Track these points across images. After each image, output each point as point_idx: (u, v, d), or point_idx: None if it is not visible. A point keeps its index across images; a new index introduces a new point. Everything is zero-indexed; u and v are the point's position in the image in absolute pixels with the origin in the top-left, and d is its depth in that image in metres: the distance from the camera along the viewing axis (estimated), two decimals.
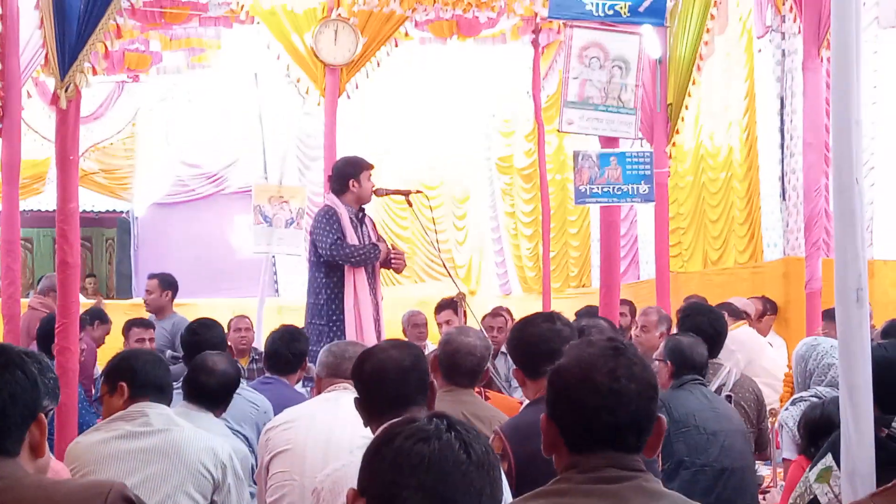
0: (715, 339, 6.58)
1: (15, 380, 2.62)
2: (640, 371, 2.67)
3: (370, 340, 7.71)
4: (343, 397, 4.74)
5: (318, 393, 5.03)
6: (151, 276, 10.31)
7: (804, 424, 4.92)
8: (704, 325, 6.59)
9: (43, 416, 2.69)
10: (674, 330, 7.48)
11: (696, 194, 14.11)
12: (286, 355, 6.78)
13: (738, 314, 8.85)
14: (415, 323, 10.81)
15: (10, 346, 2.73)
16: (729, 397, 6.31)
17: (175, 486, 4.31)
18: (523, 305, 13.56)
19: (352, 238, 8.16)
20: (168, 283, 10.11)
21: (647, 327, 7.99)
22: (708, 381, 6.20)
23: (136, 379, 4.55)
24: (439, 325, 10.23)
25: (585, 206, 13.55)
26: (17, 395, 2.61)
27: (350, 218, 8.22)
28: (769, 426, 6.69)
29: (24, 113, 7.62)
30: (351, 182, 8.28)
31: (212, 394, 5.28)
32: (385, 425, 2.30)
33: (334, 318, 8.14)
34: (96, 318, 9.97)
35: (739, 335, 8.55)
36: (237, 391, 5.86)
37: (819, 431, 4.69)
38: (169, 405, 4.65)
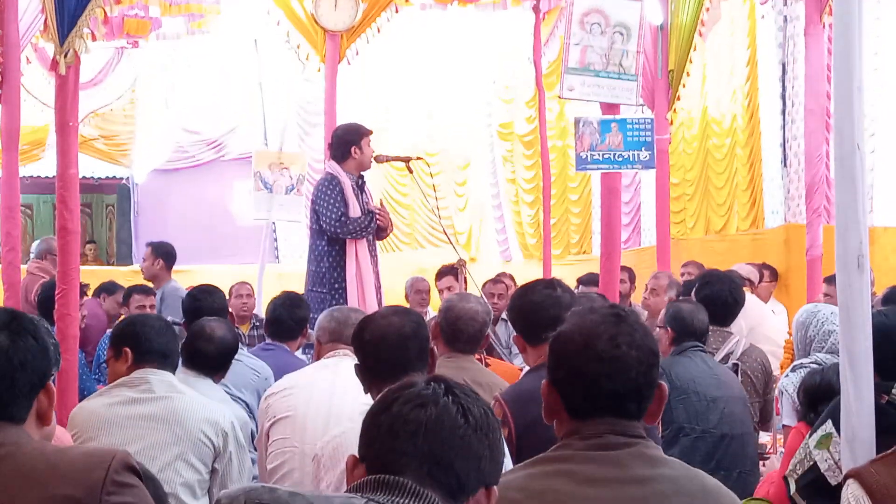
0: (732, 307, 6.56)
1: (27, 347, 2.62)
2: (642, 338, 2.67)
3: (372, 308, 7.71)
4: (342, 363, 4.73)
5: (318, 358, 5.03)
6: (148, 244, 10.32)
7: (804, 391, 4.92)
8: (724, 293, 6.54)
9: (51, 384, 2.69)
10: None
11: (702, 161, 14.10)
12: (288, 322, 6.79)
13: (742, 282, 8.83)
14: (417, 289, 10.82)
15: (22, 313, 2.73)
16: (736, 366, 6.30)
17: (175, 453, 4.32)
18: (524, 272, 13.57)
19: (354, 207, 8.14)
20: (161, 252, 10.10)
21: (657, 290, 8.03)
22: (715, 350, 6.20)
23: (140, 345, 4.55)
24: (441, 291, 10.24)
25: (587, 173, 13.55)
26: (27, 363, 2.61)
27: (352, 186, 8.20)
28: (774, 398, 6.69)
29: (23, 79, 7.61)
30: (353, 149, 8.25)
31: (210, 360, 5.28)
32: (384, 391, 2.30)
33: (336, 285, 8.14)
34: (104, 290, 10.01)
35: (758, 306, 8.54)
36: (238, 357, 5.87)
37: (819, 398, 4.70)
38: (174, 372, 4.65)
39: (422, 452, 2.15)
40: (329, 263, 8.19)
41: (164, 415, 4.36)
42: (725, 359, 6.32)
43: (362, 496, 2.15)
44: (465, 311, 5.08)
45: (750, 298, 8.67)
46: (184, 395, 4.46)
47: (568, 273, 12.01)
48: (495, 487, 2.24)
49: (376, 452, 2.20)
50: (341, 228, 8.08)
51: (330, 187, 8.14)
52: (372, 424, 2.23)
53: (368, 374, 3.80)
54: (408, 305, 9.59)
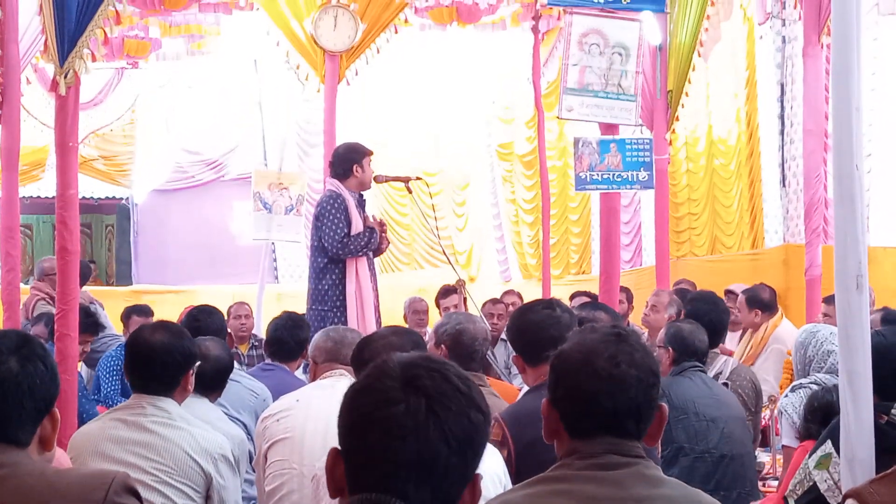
0: (713, 330, 6.57)
1: (36, 372, 2.63)
2: (642, 358, 2.68)
3: (371, 326, 7.71)
4: (339, 384, 4.73)
5: (314, 378, 5.02)
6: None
7: (818, 408, 4.92)
8: (702, 314, 6.57)
9: (56, 411, 2.69)
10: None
11: (709, 180, 14.12)
12: (289, 342, 6.79)
13: (772, 306, 8.56)
14: (415, 309, 10.81)
15: (34, 338, 2.74)
16: (725, 385, 6.30)
17: (167, 481, 4.28)
18: (523, 292, 13.56)
19: (357, 224, 8.09)
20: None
21: (657, 307, 8.01)
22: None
23: (138, 372, 4.51)
24: (446, 309, 10.18)
25: (587, 193, 13.57)
26: (36, 388, 2.62)
27: (355, 203, 8.17)
28: (762, 419, 6.69)
29: (23, 99, 7.60)
30: (354, 167, 8.22)
31: (206, 379, 5.25)
32: (355, 381, 2.27)
33: (337, 303, 8.10)
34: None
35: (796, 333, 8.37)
36: (237, 378, 5.85)
37: (832, 416, 4.71)
38: (179, 396, 4.56)
39: (405, 482, 2.12)
40: (331, 281, 8.15)
41: (157, 443, 4.31)
42: (714, 379, 6.32)
43: None
44: (481, 331, 5.17)
45: (789, 325, 8.52)
46: (177, 422, 4.39)
47: (567, 293, 12.01)
48: (479, 472, 2.20)
49: (353, 452, 2.18)
50: (343, 249, 8.05)
51: (335, 206, 8.09)
52: (356, 442, 2.19)
53: None
54: (406, 325, 9.58)
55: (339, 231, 8.03)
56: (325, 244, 8.08)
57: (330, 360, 4.94)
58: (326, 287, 8.18)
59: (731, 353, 7.40)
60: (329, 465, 2.22)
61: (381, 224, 8.39)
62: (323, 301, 8.15)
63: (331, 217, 8.05)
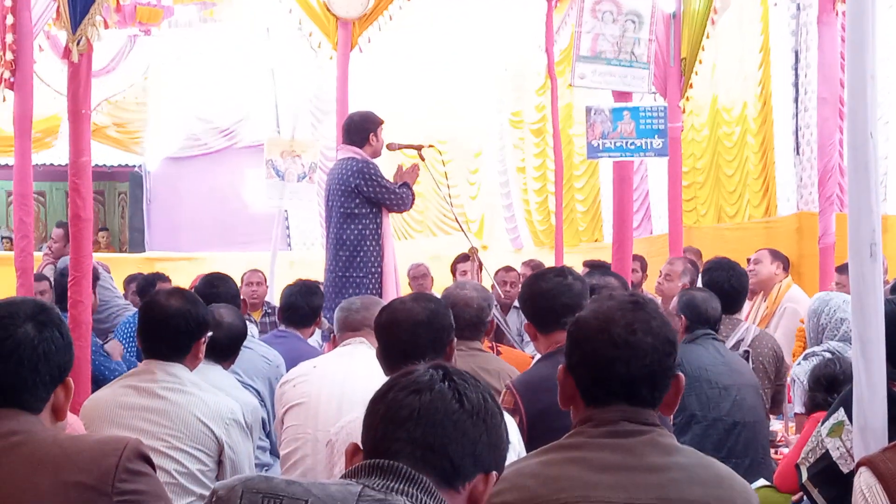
0: (734, 295, 6.56)
1: (52, 339, 2.64)
2: (658, 326, 2.67)
3: (402, 290, 7.72)
4: (357, 350, 4.76)
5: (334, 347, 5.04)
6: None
7: (821, 377, 4.93)
8: (722, 280, 6.55)
9: (70, 380, 2.70)
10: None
11: (713, 149, 14.06)
12: (304, 309, 6.80)
13: (789, 268, 8.56)
14: (414, 275, 10.79)
15: (51, 306, 2.76)
16: (747, 353, 6.29)
17: (178, 446, 4.30)
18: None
19: None
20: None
21: (671, 276, 8.01)
22: (725, 337, 6.19)
23: (146, 338, 4.53)
24: (462, 274, 10.18)
25: (593, 161, 13.52)
26: (51, 355, 2.63)
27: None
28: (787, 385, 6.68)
29: (35, 67, 7.59)
30: (370, 136, 8.19)
31: (219, 346, 5.25)
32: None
33: (373, 269, 8.04)
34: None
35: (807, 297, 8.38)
36: (250, 345, 5.86)
37: (837, 386, 4.72)
38: (190, 363, 4.57)
39: (415, 437, 2.17)
40: (367, 247, 8.06)
41: (168, 409, 4.32)
42: (736, 346, 6.31)
43: (357, 482, 2.16)
44: (461, 297, 5.12)
45: (798, 291, 8.51)
46: (188, 388, 4.39)
47: (579, 261, 11.99)
48: (494, 473, 2.24)
49: (373, 440, 2.21)
50: (406, 199, 8.03)
51: (373, 168, 8.03)
52: (370, 412, 2.25)
53: (384, 360, 3.83)
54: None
55: (392, 186, 7.99)
56: (388, 202, 7.95)
57: (343, 329, 4.95)
58: (362, 253, 8.10)
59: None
60: (349, 454, 2.26)
61: (415, 168, 8.35)
62: (357, 268, 8.04)
63: (377, 178, 7.98)
